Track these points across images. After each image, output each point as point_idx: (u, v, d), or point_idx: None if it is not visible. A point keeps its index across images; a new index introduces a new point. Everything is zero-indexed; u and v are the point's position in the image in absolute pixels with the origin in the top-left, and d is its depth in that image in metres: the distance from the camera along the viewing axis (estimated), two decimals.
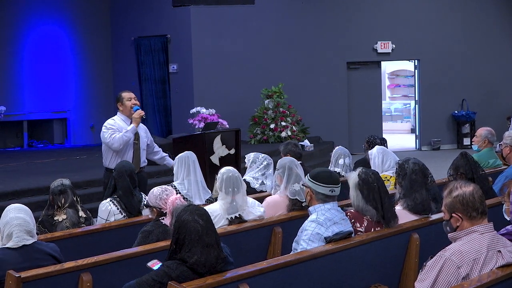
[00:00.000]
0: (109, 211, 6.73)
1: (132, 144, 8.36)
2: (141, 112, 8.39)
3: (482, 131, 9.13)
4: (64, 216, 6.41)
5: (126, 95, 8.49)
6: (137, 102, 8.52)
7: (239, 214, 6.08)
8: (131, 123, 8.37)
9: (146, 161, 8.69)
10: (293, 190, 6.49)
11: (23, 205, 5.18)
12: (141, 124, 8.57)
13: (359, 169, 5.55)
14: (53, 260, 5.01)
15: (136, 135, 8.40)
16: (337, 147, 8.70)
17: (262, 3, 19.10)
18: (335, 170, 8.11)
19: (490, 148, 9.07)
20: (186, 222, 4.30)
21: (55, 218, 6.39)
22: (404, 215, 5.75)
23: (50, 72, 19.32)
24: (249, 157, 8.33)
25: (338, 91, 19.51)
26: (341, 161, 8.30)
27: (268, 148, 15.21)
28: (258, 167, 8.17)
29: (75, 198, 6.58)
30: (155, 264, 4.49)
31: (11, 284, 4.49)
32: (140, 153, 8.48)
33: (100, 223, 6.70)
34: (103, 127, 8.36)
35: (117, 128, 8.30)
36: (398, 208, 5.85)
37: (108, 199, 6.84)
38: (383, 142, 8.97)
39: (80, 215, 6.55)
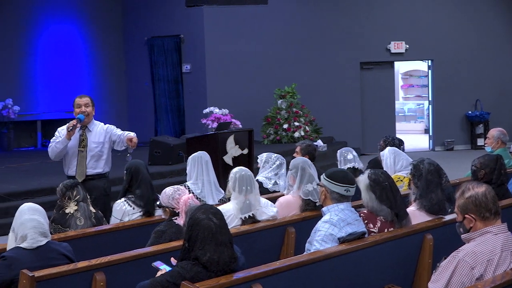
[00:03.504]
0: (123, 211, 6.73)
1: (76, 152, 7.97)
2: (71, 122, 7.84)
3: (494, 132, 9.10)
4: (75, 208, 6.38)
5: (76, 101, 8.07)
6: (87, 109, 8.01)
7: (252, 214, 6.08)
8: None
9: (105, 168, 8.17)
10: (306, 191, 6.49)
11: (37, 205, 5.20)
12: (100, 128, 8.17)
13: (367, 171, 5.54)
14: (66, 259, 5.03)
15: (83, 142, 7.99)
16: (338, 150, 8.64)
17: (275, 3, 19.09)
18: (348, 166, 8.07)
19: (504, 149, 9.03)
20: (199, 220, 4.30)
21: (66, 211, 6.37)
22: (420, 216, 5.75)
23: (63, 72, 19.37)
24: (262, 157, 8.32)
25: (351, 91, 19.48)
26: (349, 156, 8.25)
27: (281, 148, 15.21)
28: (271, 167, 8.16)
29: (86, 194, 6.58)
30: (160, 265, 4.51)
31: (25, 284, 4.50)
32: (87, 161, 7.99)
33: (114, 223, 6.70)
34: None
35: (60, 135, 7.99)
36: (413, 208, 5.85)
37: (123, 199, 6.83)
38: (401, 144, 8.92)
39: (91, 209, 6.55)
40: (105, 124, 8.30)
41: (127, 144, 8.05)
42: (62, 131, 8.02)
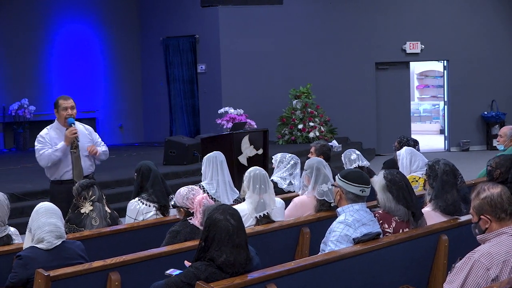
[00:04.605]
0: (137, 210, 6.73)
1: (68, 154, 7.80)
2: (73, 129, 7.73)
3: (506, 130, 9.05)
4: (91, 208, 6.39)
5: (62, 103, 7.87)
6: (73, 112, 7.86)
7: (266, 213, 6.09)
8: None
9: (94, 167, 8.10)
10: (321, 191, 6.48)
11: (53, 205, 5.22)
12: (83, 128, 8.04)
13: (382, 172, 5.52)
14: (81, 259, 5.05)
15: (73, 144, 7.79)
16: (342, 154, 8.60)
17: (290, 3, 19.08)
18: (354, 166, 8.06)
19: None
20: (217, 221, 4.29)
21: (82, 211, 6.39)
22: (435, 216, 5.74)
23: (79, 71, 19.44)
24: (276, 157, 8.32)
25: (367, 91, 19.43)
26: (353, 156, 8.25)
27: (296, 148, 15.21)
28: (285, 167, 8.15)
29: (101, 194, 6.60)
30: (173, 272, 4.51)
31: (40, 283, 4.52)
32: (81, 161, 7.85)
33: (129, 222, 6.71)
34: (36, 138, 7.93)
35: (47, 141, 7.82)
36: (429, 209, 5.84)
37: (137, 199, 6.85)
38: (416, 144, 8.89)
39: (106, 209, 6.57)
40: (83, 125, 8.19)
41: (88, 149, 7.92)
42: (47, 136, 7.87)
